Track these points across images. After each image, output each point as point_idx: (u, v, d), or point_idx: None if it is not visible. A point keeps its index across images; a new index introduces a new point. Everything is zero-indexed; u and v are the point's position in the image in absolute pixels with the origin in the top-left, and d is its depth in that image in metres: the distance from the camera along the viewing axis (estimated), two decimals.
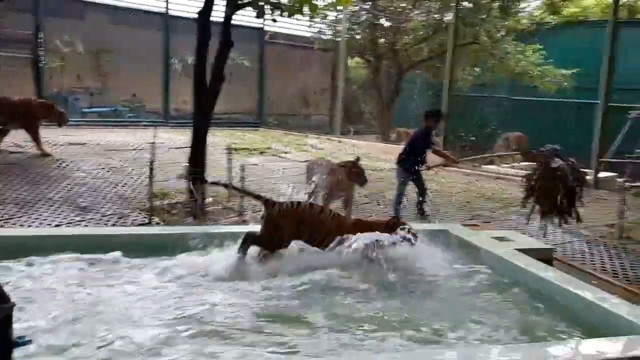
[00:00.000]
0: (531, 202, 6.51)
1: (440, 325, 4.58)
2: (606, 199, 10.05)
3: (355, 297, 4.97)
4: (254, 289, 4.90)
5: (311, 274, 5.19)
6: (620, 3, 12.45)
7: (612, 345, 4.04)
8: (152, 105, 16.44)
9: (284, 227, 5.40)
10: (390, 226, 5.60)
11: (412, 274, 5.52)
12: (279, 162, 11.47)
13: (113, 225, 7.08)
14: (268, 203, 5.52)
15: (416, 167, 8.51)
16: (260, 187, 9.43)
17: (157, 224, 7.21)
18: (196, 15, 7.85)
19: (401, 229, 5.55)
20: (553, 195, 6.24)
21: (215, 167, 10.24)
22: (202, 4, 7.72)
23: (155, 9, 15.70)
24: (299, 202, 5.80)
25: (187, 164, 7.96)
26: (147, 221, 7.25)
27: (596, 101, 12.22)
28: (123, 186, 8.71)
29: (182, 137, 12.64)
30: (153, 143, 8.06)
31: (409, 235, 5.53)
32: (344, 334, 4.24)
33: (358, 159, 7.61)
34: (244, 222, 7.50)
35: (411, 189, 8.71)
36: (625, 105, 14.14)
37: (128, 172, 9.48)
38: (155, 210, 7.51)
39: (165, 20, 15.65)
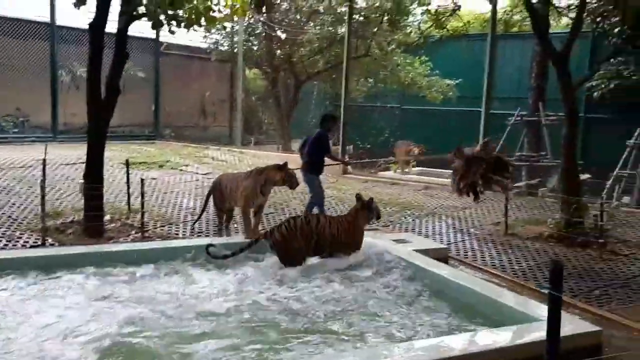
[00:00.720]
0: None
1: (348, 322, 4.81)
2: (492, 199, 10.81)
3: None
4: None
5: None
6: (497, 18, 13.46)
7: (504, 335, 4.41)
8: (39, 119, 15.50)
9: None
10: (365, 205, 6.58)
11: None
12: (179, 175, 11.25)
13: (2, 248, 6.65)
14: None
15: (320, 168, 8.66)
16: (162, 201, 9.25)
17: (52, 244, 6.85)
18: (87, 26, 7.58)
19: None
20: (490, 167, 6.94)
21: (113, 182, 9.92)
22: (92, 14, 7.45)
23: (41, 19, 14.85)
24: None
25: (83, 181, 7.63)
26: (39, 242, 6.86)
27: (478, 109, 13.12)
28: (11, 206, 8.18)
29: (74, 153, 12.10)
30: (44, 160, 7.63)
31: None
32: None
33: (286, 163, 7.55)
34: (145, 239, 7.32)
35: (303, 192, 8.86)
36: (504, 112, 15.33)
37: (16, 192, 8.91)
38: (49, 231, 7.13)
39: (52, 31, 14.85)
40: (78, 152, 11.95)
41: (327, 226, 6.33)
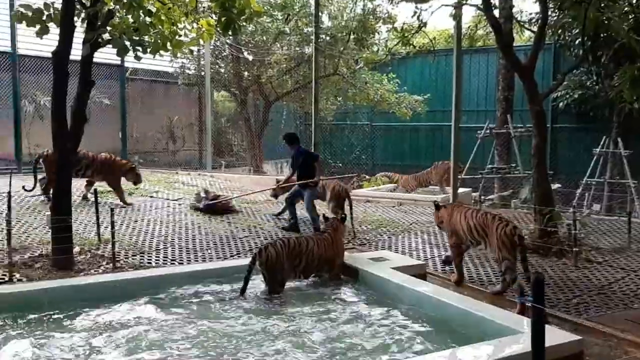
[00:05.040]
0: None
1: (330, 345, 4.73)
2: None
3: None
4: None
5: None
6: (462, 33, 13.67)
7: (487, 349, 4.37)
8: (2, 150, 15.10)
9: None
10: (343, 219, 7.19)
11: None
12: (149, 202, 11.03)
13: None
14: None
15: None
16: (133, 230, 9.04)
17: (19, 280, 6.60)
18: (50, 55, 7.42)
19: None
20: None
21: (81, 212, 9.67)
22: (54, 41, 7.31)
23: (1, 48, 14.53)
24: None
25: (50, 212, 7.41)
26: (7, 278, 6.61)
27: (448, 124, 13.21)
28: None
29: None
30: (9, 192, 7.38)
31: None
32: None
33: None
34: (117, 270, 7.12)
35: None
36: (473, 125, 15.53)
37: None
38: (16, 266, 6.88)
39: (14, 60, 14.55)
40: None
41: (314, 247, 6.38)
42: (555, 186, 11.98)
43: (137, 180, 11.23)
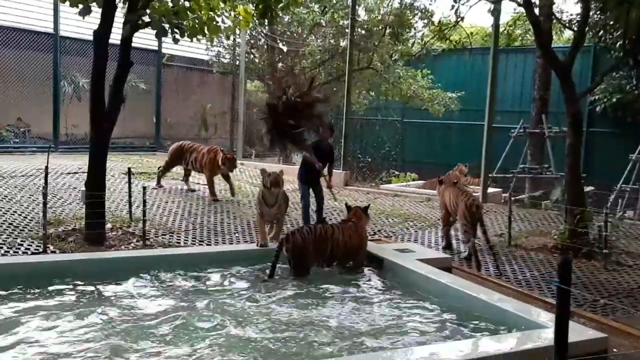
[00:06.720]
0: None
1: (357, 330, 4.77)
2: (495, 211, 10.80)
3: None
4: None
5: None
6: (499, 31, 13.49)
7: (510, 341, 4.37)
8: (41, 130, 15.52)
9: None
10: (366, 208, 7.02)
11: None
12: (180, 186, 11.22)
13: (4, 254, 6.59)
14: None
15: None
16: (163, 210, 9.22)
17: (53, 252, 6.81)
18: (89, 37, 7.60)
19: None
20: None
21: (114, 191, 9.89)
22: (94, 25, 7.47)
23: (44, 30, 14.92)
24: None
25: (84, 189, 7.60)
26: (41, 249, 6.82)
27: (481, 122, 13.07)
28: (13, 214, 8.12)
29: (75, 163, 12.09)
30: (46, 167, 7.61)
31: None
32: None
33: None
34: (147, 247, 7.27)
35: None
36: (506, 125, 15.32)
37: (17, 200, 8.86)
38: (50, 238, 7.09)
39: (55, 42, 14.92)
40: (79, 162, 11.96)
41: (340, 235, 6.39)
42: (588, 189, 11.75)
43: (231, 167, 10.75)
